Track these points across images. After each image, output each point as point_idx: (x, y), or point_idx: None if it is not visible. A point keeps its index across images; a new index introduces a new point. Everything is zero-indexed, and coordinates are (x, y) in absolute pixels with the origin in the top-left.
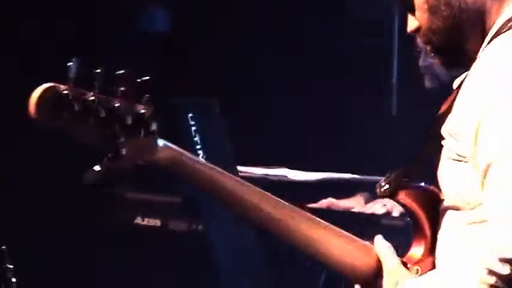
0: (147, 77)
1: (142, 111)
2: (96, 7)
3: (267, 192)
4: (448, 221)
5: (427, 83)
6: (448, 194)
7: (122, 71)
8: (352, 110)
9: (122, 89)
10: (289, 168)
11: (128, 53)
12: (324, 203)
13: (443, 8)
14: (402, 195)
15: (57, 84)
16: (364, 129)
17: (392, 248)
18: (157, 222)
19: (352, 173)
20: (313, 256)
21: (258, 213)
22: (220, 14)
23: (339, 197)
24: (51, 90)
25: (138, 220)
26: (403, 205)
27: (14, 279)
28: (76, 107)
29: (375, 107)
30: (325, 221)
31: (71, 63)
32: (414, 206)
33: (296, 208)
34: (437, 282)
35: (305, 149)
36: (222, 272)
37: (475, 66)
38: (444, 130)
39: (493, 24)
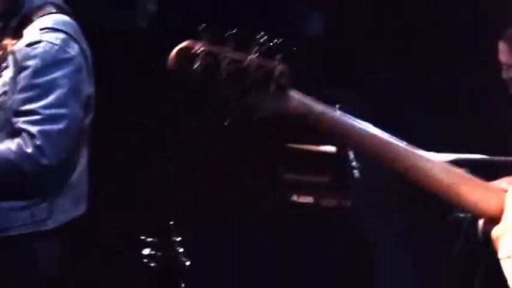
0: (281, 40)
1: (273, 67)
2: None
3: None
4: None
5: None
6: None
7: (261, 34)
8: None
9: (256, 48)
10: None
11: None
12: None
13: None
14: None
15: (193, 42)
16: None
17: None
18: (310, 200)
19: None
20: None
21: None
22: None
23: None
24: (186, 47)
25: (294, 198)
26: None
27: (181, 250)
28: (208, 62)
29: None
30: None
31: (201, 27)
32: None
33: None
34: None
35: (443, 131)
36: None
37: None
38: None
39: None
